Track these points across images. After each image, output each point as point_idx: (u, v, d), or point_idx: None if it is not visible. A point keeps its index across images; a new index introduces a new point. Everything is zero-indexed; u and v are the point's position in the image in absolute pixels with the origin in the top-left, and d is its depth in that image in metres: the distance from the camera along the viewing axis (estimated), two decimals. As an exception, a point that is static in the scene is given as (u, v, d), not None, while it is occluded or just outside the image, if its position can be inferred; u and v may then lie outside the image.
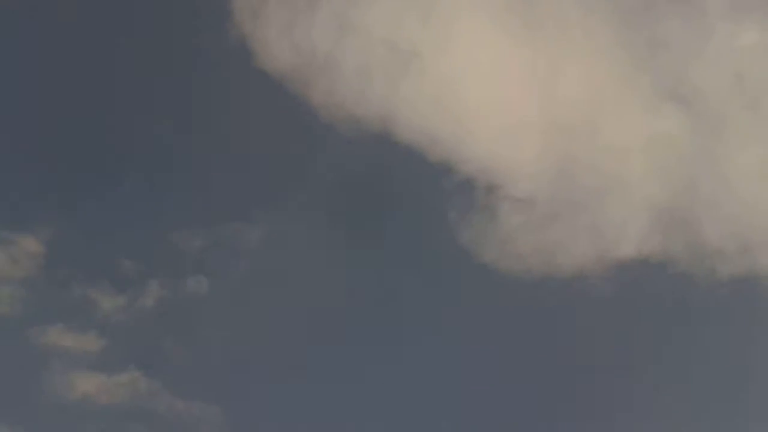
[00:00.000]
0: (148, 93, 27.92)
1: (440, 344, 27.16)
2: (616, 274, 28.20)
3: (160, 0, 28.84)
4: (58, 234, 26.92)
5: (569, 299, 28.06)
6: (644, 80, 28.71)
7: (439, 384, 26.68)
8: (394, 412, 26.39)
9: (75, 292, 26.60)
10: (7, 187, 26.98)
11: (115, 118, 27.62)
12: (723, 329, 27.50)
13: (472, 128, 28.11)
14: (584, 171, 28.36)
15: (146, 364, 26.28)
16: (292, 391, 26.31)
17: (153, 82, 27.95)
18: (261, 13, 28.43)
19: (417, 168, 28.08)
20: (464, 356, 27.15)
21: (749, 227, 28.05)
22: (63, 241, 26.91)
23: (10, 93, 27.74)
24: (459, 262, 28.00)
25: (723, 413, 26.77)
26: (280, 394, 26.26)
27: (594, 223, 28.30)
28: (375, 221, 28.35)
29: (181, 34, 28.22)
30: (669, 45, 28.78)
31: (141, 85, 27.93)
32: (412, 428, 26.43)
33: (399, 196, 28.38)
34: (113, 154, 27.59)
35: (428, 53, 28.47)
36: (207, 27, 28.21)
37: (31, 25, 28.37)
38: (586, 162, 28.39)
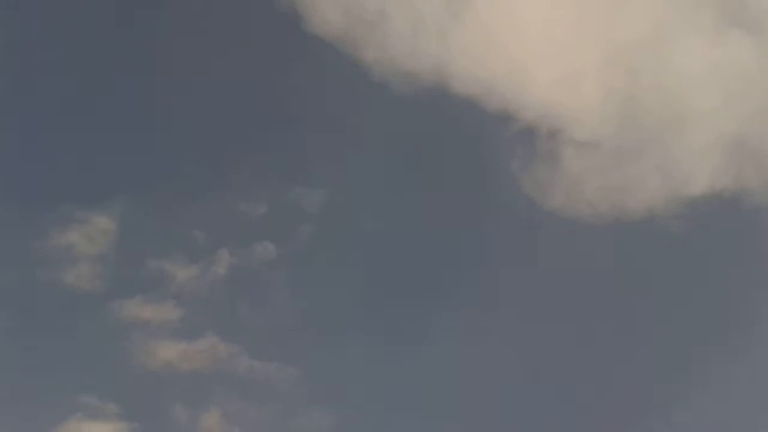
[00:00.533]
0: (205, 66, 28.38)
1: (513, 295, 26.96)
2: (689, 212, 27.42)
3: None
4: (129, 211, 27.80)
5: (641, 241, 27.44)
6: (707, 7, 27.44)
7: (515, 330, 26.56)
8: (469, 357, 26.40)
9: (150, 266, 27.48)
10: (79, 169, 28.09)
11: (174, 91, 28.22)
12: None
13: (529, 74, 27.51)
14: (649, 107, 27.47)
15: (223, 329, 27.00)
16: (363, 347, 26.68)
17: (208, 54, 28.38)
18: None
19: (476, 119, 27.70)
20: (540, 305, 26.94)
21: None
22: (134, 217, 27.76)
23: (78, 76, 28.77)
24: (526, 210, 27.69)
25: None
26: (352, 351, 26.67)
27: (662, 161, 27.45)
28: (438, 176, 28.25)
29: (231, 4, 28.73)
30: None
31: (198, 58, 28.41)
32: (493, 369, 26.43)
33: (460, 149, 28.15)
34: (173, 129, 28.30)
35: (479, 0, 27.98)
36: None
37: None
38: (650, 98, 27.48)
